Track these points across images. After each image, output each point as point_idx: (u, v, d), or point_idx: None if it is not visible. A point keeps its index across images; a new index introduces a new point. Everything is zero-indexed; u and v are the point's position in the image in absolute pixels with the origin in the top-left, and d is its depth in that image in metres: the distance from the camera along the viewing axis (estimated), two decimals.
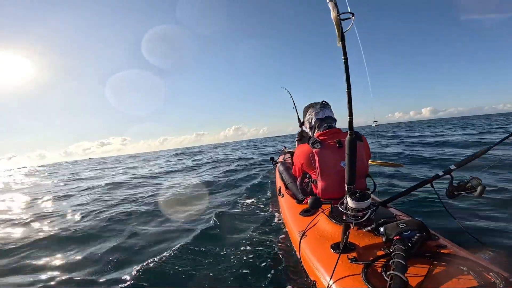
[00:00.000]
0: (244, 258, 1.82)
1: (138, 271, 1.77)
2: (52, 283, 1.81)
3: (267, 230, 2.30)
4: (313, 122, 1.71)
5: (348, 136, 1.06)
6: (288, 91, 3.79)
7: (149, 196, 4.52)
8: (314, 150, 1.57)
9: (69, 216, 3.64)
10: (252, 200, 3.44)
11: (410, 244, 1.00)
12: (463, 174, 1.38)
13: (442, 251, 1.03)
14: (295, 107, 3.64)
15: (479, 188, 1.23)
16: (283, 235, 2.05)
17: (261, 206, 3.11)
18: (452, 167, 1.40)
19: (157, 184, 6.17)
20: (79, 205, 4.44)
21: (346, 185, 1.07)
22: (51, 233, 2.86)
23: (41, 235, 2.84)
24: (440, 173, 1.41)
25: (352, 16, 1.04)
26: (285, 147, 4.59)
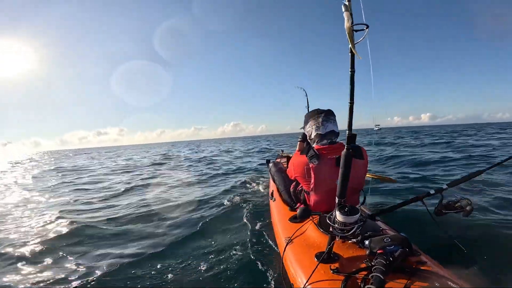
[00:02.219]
0: (228, 259, 1.86)
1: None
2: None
3: (254, 233, 2.31)
4: (312, 136, 1.61)
5: (344, 150, 1.06)
6: (304, 90, 3.75)
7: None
8: (310, 165, 1.49)
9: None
10: (243, 200, 3.47)
11: (391, 259, 1.03)
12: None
13: (421, 267, 1.06)
14: (308, 107, 3.63)
15: (467, 208, 1.26)
16: (271, 239, 2.07)
17: (251, 207, 3.12)
18: (444, 186, 1.42)
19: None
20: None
21: (336, 197, 1.09)
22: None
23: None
24: (432, 191, 1.44)
25: (366, 28, 1.01)
26: (282, 151, 4.56)
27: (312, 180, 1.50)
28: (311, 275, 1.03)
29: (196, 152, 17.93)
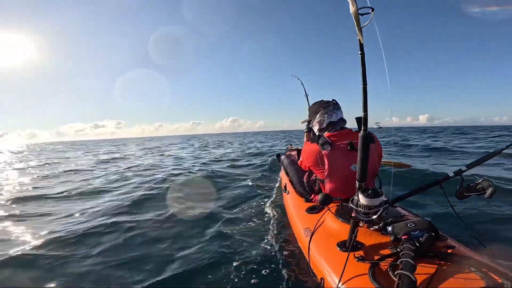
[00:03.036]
0: (249, 257, 1.79)
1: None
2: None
3: (271, 227, 2.26)
4: (324, 125, 1.64)
5: (362, 132, 1.05)
6: (299, 79, 3.73)
7: None
8: (323, 152, 1.51)
9: None
10: (256, 195, 3.42)
11: (418, 244, 1.00)
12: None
13: (450, 251, 1.03)
14: (307, 95, 3.60)
15: (489, 190, 1.22)
16: (289, 233, 2.02)
17: (265, 202, 3.07)
18: (463, 168, 1.38)
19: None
20: None
21: (357, 182, 1.06)
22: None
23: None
24: (451, 174, 1.40)
25: (372, 11, 1.01)
26: (291, 145, 4.55)
27: (326, 167, 1.52)
28: (344, 268, 1.00)
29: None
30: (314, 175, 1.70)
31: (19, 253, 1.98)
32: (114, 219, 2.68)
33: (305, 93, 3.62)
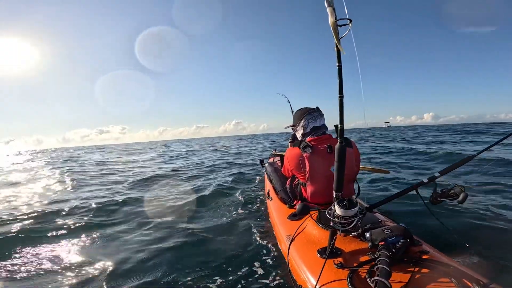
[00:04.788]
0: (229, 263, 1.79)
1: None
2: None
3: (254, 233, 2.25)
4: (308, 129, 1.71)
5: (338, 143, 1.07)
6: (285, 97, 3.82)
7: None
8: (304, 155, 1.59)
9: None
10: (239, 202, 3.38)
11: (394, 250, 1.03)
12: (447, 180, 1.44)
13: (424, 256, 1.06)
14: (292, 112, 3.69)
15: (461, 195, 1.28)
16: (271, 239, 2.03)
17: (248, 208, 3.05)
18: (436, 174, 1.45)
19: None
20: None
21: (334, 192, 1.08)
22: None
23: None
24: (425, 180, 1.46)
25: (350, 22, 1.03)
26: (275, 150, 4.59)
27: (307, 169, 1.58)
28: (320, 274, 1.01)
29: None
30: (297, 179, 1.73)
31: None
32: None
33: (291, 110, 3.69)
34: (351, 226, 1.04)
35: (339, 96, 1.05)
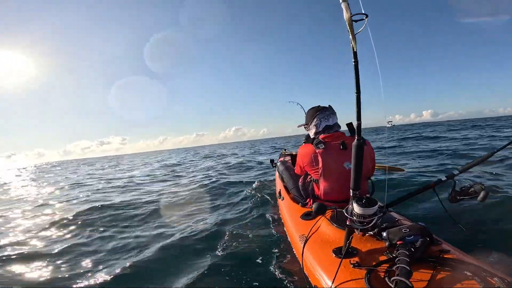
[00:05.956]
0: (243, 262, 1.80)
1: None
2: None
3: (266, 234, 2.25)
4: (321, 128, 1.72)
5: (355, 141, 1.04)
6: (299, 104, 3.63)
7: None
8: (317, 151, 1.59)
9: None
10: (250, 202, 3.38)
11: (413, 249, 1.00)
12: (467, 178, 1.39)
13: (445, 256, 1.03)
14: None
15: (482, 193, 1.23)
16: (284, 240, 2.01)
17: (260, 208, 3.05)
18: (455, 172, 1.40)
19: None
20: None
21: (351, 190, 1.06)
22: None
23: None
24: (443, 178, 1.42)
25: (366, 18, 1.01)
26: (285, 150, 4.55)
27: (320, 165, 1.58)
28: (336, 274, 1.00)
29: None
30: (309, 177, 1.72)
31: None
32: None
33: (305, 113, 3.58)
34: (370, 225, 1.02)
35: (356, 93, 1.03)
